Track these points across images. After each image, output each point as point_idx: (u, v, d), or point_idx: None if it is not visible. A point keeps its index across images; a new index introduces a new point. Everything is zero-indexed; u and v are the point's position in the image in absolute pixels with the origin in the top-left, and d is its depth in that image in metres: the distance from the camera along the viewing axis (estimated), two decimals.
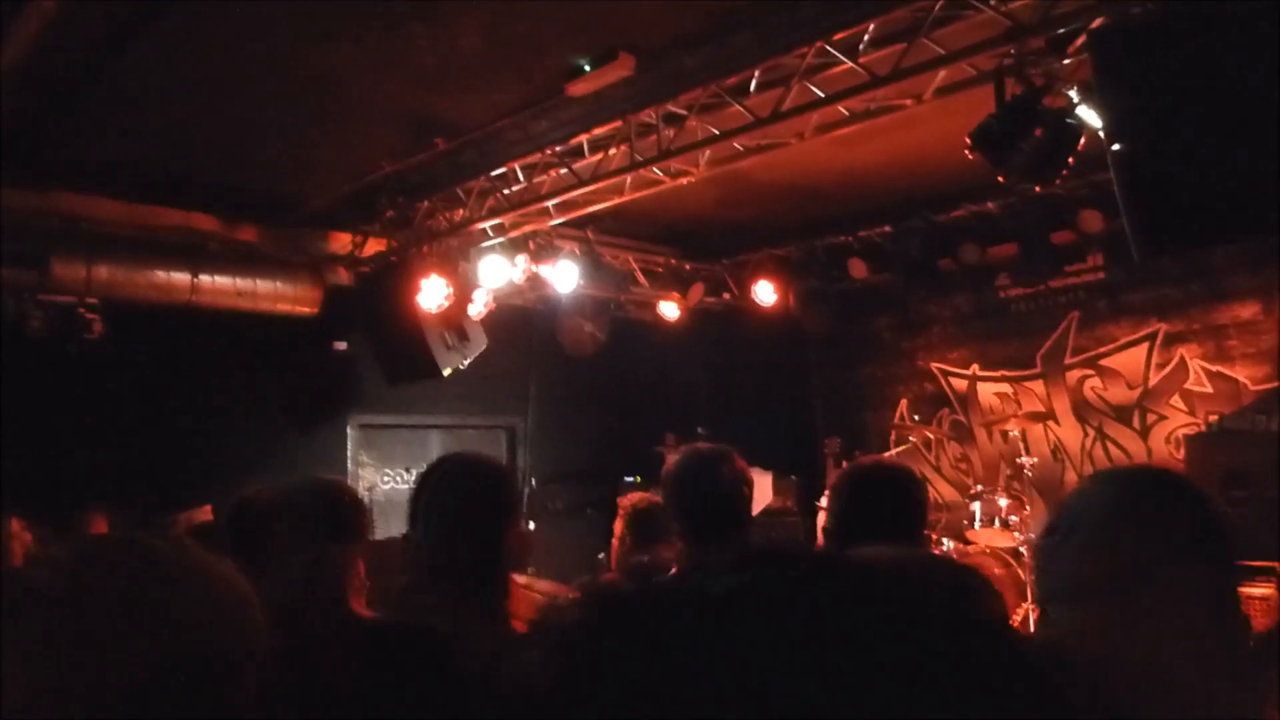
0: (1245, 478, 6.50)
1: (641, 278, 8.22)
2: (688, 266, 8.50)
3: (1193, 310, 7.28)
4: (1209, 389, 7.26)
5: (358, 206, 6.84)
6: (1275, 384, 6.99)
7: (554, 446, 8.87)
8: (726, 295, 8.65)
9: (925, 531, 2.19)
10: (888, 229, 7.65)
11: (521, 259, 7.13)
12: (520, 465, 8.77)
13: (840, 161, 6.59)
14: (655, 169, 5.65)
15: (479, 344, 7.09)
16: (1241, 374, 7.13)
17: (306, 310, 7.17)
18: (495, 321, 7.36)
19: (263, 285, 6.88)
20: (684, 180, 5.74)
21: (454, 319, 6.82)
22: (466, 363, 7.05)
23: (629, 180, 5.80)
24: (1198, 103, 3.72)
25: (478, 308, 6.96)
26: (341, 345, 7.46)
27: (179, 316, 6.63)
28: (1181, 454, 7.05)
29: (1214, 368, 7.23)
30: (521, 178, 6.16)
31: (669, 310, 8.48)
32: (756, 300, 8.27)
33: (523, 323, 8.24)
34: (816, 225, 8.00)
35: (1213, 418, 7.20)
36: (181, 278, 6.47)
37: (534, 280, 7.38)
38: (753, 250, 8.42)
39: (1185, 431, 7.22)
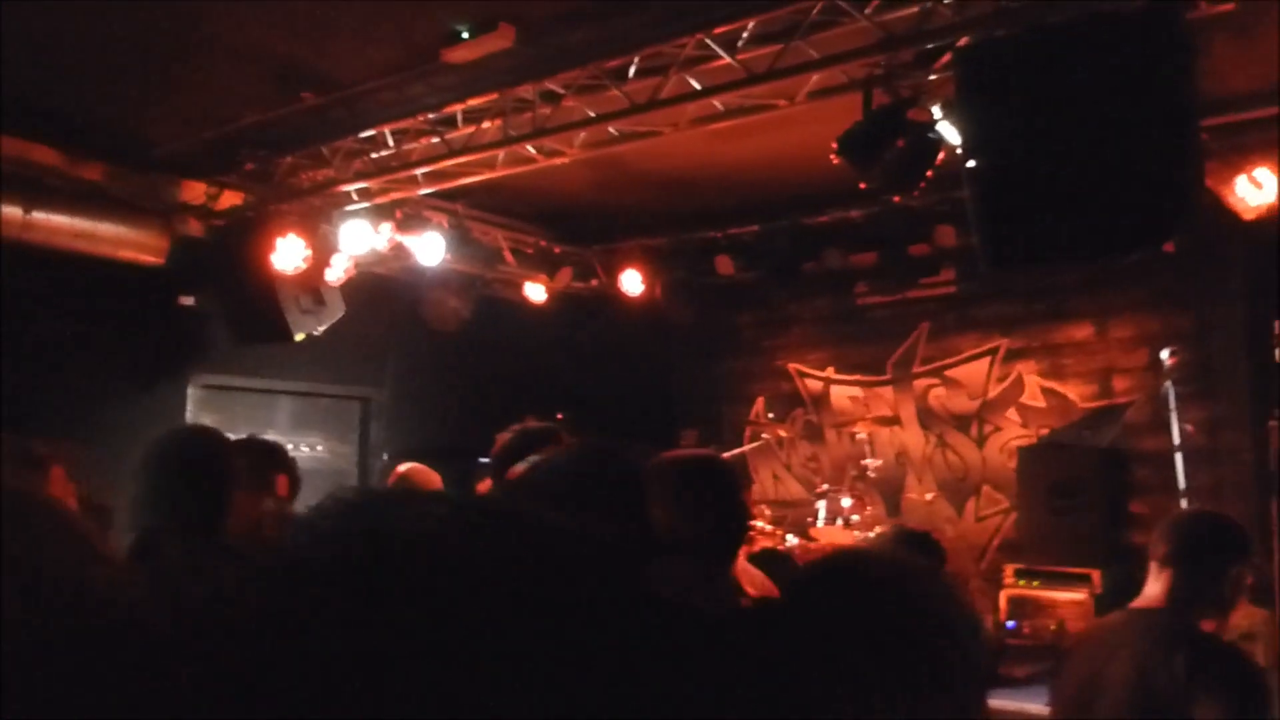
0: (1069, 489, 6.92)
1: (510, 257, 8.12)
2: (557, 249, 8.43)
3: (1033, 328, 7.67)
4: (1042, 404, 7.67)
5: (215, 155, 6.51)
6: (1103, 402, 7.44)
7: (410, 421, 8.65)
8: (594, 281, 8.61)
9: (747, 524, 2.19)
10: (756, 228, 7.77)
11: (386, 227, 6.93)
12: (374, 438, 8.55)
13: (715, 157, 6.65)
14: (529, 146, 5.58)
15: (336, 310, 6.87)
16: (1073, 391, 7.55)
17: (152, 260, 6.78)
18: (355, 289, 7.13)
19: (105, 228, 6.47)
20: (557, 160, 5.70)
21: (310, 282, 6.59)
22: (321, 328, 6.82)
23: (501, 155, 5.72)
24: (1051, 127, 3.91)
25: (337, 273, 6.74)
26: (188, 300, 7.10)
27: (8, 254, 6.15)
28: (1014, 464, 7.45)
29: (1048, 384, 7.65)
30: (391, 142, 6.00)
31: (535, 292, 8.41)
32: (623, 289, 8.26)
33: (384, 292, 8.01)
34: (687, 219, 8.06)
35: (1044, 431, 7.61)
36: (13, 211, 5.99)
37: (398, 250, 7.18)
38: (623, 238, 8.41)
39: (1018, 443, 7.61)
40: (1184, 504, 5.83)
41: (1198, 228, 4.76)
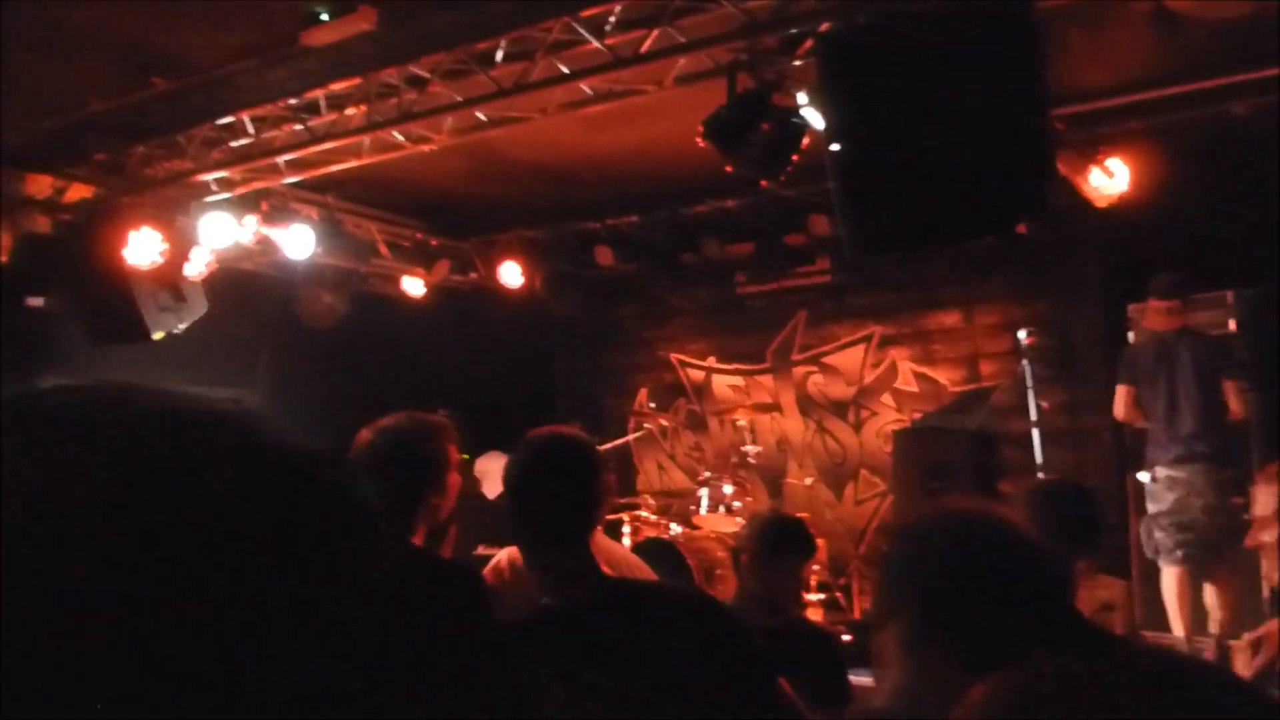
0: (942, 470, 7.05)
1: (385, 250, 7.90)
2: (434, 242, 8.26)
3: (904, 315, 7.84)
4: (915, 389, 7.84)
5: (61, 146, 6.12)
6: (971, 386, 7.64)
7: (285, 423, 8.29)
8: (473, 274, 8.48)
9: (599, 502, 2.13)
10: (635, 218, 7.73)
11: (251, 219, 6.65)
12: None
13: (591, 146, 6.58)
14: (395, 132, 5.40)
15: (198, 307, 6.55)
16: (943, 376, 7.74)
17: None
18: (221, 285, 6.81)
19: None
20: (425, 147, 5.54)
21: (169, 278, 6.26)
22: (182, 326, 6.50)
23: (367, 141, 5.53)
24: (909, 113, 3.95)
25: (197, 268, 6.43)
26: (36, 301, 6.66)
27: None
28: (889, 448, 7.59)
29: (920, 369, 7.81)
30: (251, 129, 5.73)
31: (413, 286, 8.21)
32: (502, 281, 8.13)
33: (253, 289, 7.69)
34: (566, 209, 7.97)
35: (917, 415, 7.77)
36: None
37: (265, 243, 6.90)
38: (501, 230, 8.28)
39: (893, 427, 7.75)
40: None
41: (1052, 213, 4.91)
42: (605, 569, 2.16)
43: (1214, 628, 5.30)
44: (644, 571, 3.10)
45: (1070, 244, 6.93)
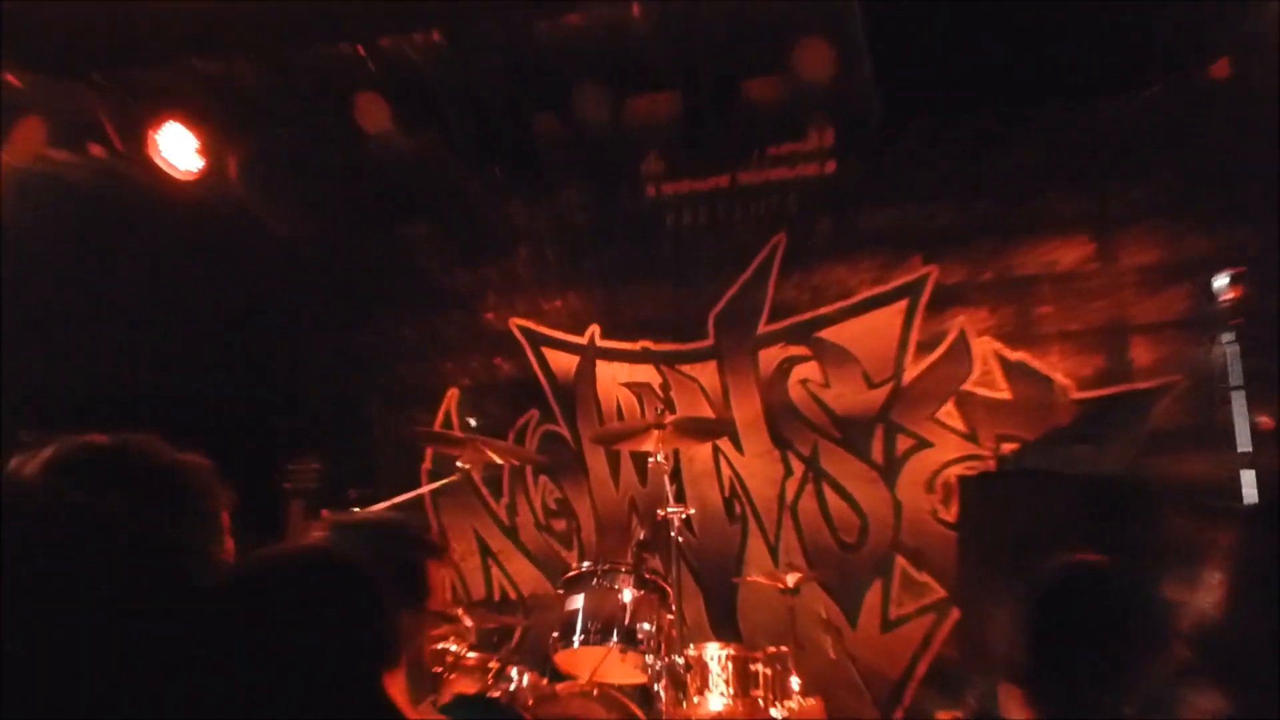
0: (1050, 547, 4.86)
1: None
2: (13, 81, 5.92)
3: (980, 247, 5.63)
4: (1004, 392, 5.79)
5: None
6: (1111, 389, 5.52)
7: None
8: (100, 147, 6.29)
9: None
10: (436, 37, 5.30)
11: None
12: None
13: None
14: None
15: None
16: (1058, 368, 5.63)
17: None
18: None
19: None
20: None
21: None
22: None
23: None
24: None
25: None
26: None
27: None
28: (952, 510, 5.56)
29: (1014, 354, 5.70)
30: None
31: None
32: (162, 162, 5.90)
33: None
34: (294, 25, 5.53)
35: (1008, 446, 5.68)
36: None
37: None
38: (158, 60, 5.74)
39: (961, 470, 5.65)
40: None
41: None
42: None
43: None
44: None
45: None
